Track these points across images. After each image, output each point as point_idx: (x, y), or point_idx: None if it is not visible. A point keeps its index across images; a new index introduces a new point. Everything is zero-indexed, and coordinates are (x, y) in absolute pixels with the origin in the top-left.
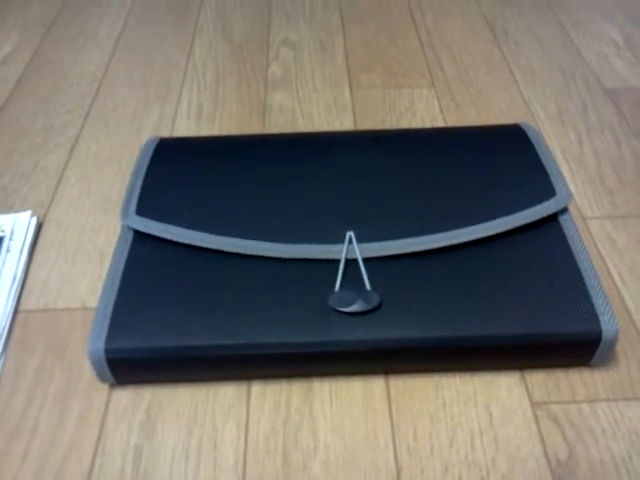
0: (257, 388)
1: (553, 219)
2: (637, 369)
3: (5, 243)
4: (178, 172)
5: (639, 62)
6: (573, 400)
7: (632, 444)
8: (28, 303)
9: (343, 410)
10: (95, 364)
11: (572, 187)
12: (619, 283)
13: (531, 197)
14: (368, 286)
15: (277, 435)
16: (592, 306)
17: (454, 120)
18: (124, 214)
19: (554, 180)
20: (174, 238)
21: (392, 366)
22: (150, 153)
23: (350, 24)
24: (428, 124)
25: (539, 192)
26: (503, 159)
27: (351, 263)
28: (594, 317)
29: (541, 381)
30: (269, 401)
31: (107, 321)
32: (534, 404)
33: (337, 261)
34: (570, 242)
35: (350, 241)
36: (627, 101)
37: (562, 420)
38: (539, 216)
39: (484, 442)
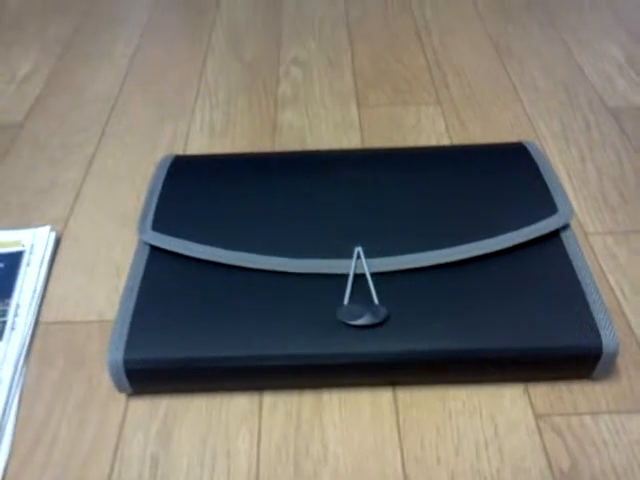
0: (269, 399)
1: (555, 235)
2: (638, 382)
3: (25, 257)
4: (192, 189)
5: None
6: (575, 412)
7: (634, 456)
8: (48, 315)
9: (352, 420)
10: (114, 374)
11: (574, 203)
12: (621, 298)
13: (534, 214)
14: (376, 300)
15: (288, 444)
16: (593, 320)
17: (459, 137)
18: (141, 229)
19: (556, 197)
20: (189, 253)
21: (399, 378)
22: (165, 170)
23: (358, 42)
24: (434, 141)
25: (541, 209)
26: (507, 176)
27: (360, 278)
28: (595, 331)
29: (544, 393)
30: (280, 411)
31: (125, 332)
32: (537, 416)
33: (346, 276)
34: (572, 258)
35: (358, 256)
36: (629, 119)
37: (565, 432)
38: (541, 233)
39: (489, 452)
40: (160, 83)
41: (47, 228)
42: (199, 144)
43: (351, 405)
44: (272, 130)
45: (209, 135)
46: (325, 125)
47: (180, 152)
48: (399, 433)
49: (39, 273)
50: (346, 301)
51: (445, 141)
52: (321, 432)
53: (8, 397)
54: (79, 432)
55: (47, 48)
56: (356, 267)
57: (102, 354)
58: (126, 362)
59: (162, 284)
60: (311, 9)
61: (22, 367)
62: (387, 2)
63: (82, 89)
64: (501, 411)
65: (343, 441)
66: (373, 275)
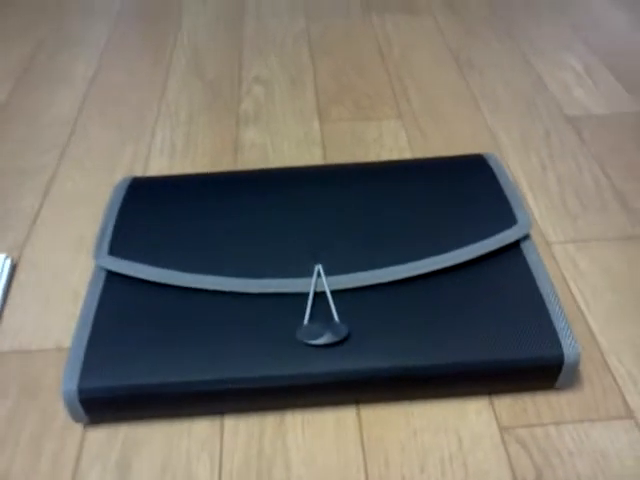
0: (230, 422)
1: (515, 246)
2: (601, 391)
3: None
4: (150, 211)
5: (598, 90)
6: (540, 423)
7: (597, 464)
8: (2, 345)
9: (316, 441)
10: (69, 404)
11: (536, 213)
12: (583, 306)
13: (493, 226)
14: (336, 318)
15: (250, 469)
16: (554, 331)
17: (421, 150)
18: (96, 254)
19: (515, 208)
20: (145, 277)
21: (362, 396)
22: (122, 193)
23: (319, 58)
24: (396, 155)
25: (501, 221)
26: (466, 189)
27: (320, 296)
28: (556, 341)
29: (509, 405)
30: (242, 435)
31: (79, 361)
32: (502, 428)
33: (306, 294)
34: (532, 268)
35: (319, 274)
36: (587, 127)
37: (529, 443)
38: (501, 244)
39: (454, 468)
40: (120, 105)
41: (2, 256)
42: (159, 165)
43: (314, 425)
44: (234, 149)
45: (170, 156)
46: (287, 142)
47: (140, 174)
48: (363, 452)
49: None
50: (306, 320)
51: (407, 154)
52: (284, 454)
53: None
54: (34, 466)
55: (5, 72)
56: (316, 285)
57: (58, 383)
58: (81, 391)
59: (118, 310)
60: (272, 27)
61: None
62: (348, 18)
63: (40, 112)
64: (465, 425)
65: (306, 462)
66: (333, 293)
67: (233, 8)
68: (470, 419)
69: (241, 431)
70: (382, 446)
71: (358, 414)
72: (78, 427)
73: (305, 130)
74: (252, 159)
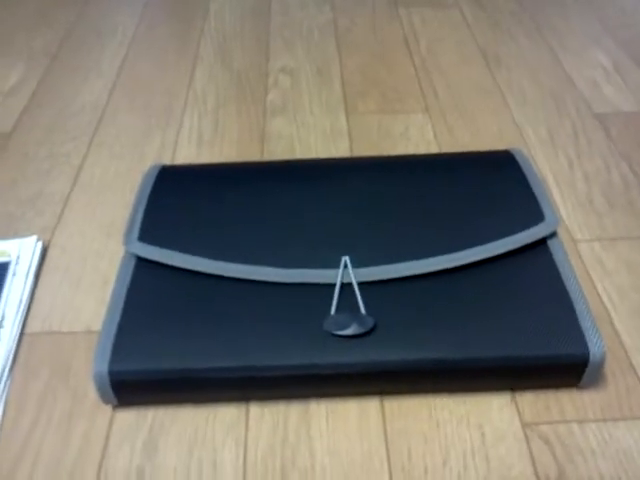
0: (255, 409)
1: (542, 243)
2: (625, 390)
3: (11, 267)
4: (179, 199)
5: (627, 87)
6: (563, 420)
7: (620, 464)
8: (33, 326)
9: (339, 430)
10: (99, 386)
11: (562, 210)
12: (608, 305)
13: (520, 222)
14: (363, 310)
15: (275, 455)
16: (579, 328)
17: (447, 145)
18: (127, 240)
19: (543, 205)
20: (175, 263)
21: (386, 387)
22: (152, 180)
23: (346, 51)
24: (422, 149)
25: (528, 217)
26: (494, 184)
27: (346, 287)
28: (581, 339)
29: (532, 401)
30: (267, 422)
31: (110, 344)
32: (525, 424)
33: (333, 285)
34: (558, 265)
35: (345, 266)
36: (616, 125)
37: (552, 440)
38: (528, 241)
39: (476, 462)
40: (148, 93)
41: (34, 238)
42: (187, 153)
43: (338, 415)
44: (261, 139)
45: (197, 144)
46: (314, 134)
47: (168, 161)
48: (386, 443)
49: (25, 284)
50: (333, 311)
51: (433, 149)
52: (308, 442)
53: None
54: (64, 444)
55: (34, 59)
56: (343, 277)
57: (88, 365)
58: (111, 374)
59: (148, 295)
60: (299, 17)
61: (7, 379)
62: (375, 11)
63: (70, 100)
64: (488, 420)
65: (330, 451)
66: (360, 285)
67: None
68: (493, 414)
69: (266, 418)
70: (405, 437)
71: (381, 405)
72: (107, 409)
73: (331, 122)
74: (278, 150)
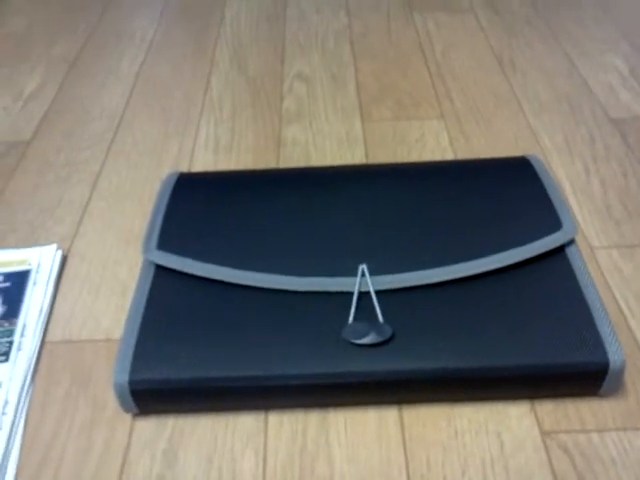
0: (274, 418)
1: (560, 251)
2: None
3: (32, 276)
4: (197, 207)
5: None
6: (582, 429)
7: None
8: (54, 335)
9: (358, 439)
10: (120, 395)
11: (579, 217)
12: (627, 312)
13: (538, 230)
14: (381, 318)
15: (294, 464)
16: (599, 337)
17: (463, 151)
18: (146, 249)
19: (560, 213)
20: (194, 272)
21: (405, 396)
22: (170, 188)
23: (361, 57)
24: (438, 156)
25: (546, 225)
26: (511, 192)
27: (364, 295)
28: (601, 348)
29: (551, 410)
30: (286, 431)
31: (131, 353)
32: (544, 433)
33: (351, 294)
34: (577, 273)
35: (363, 274)
36: (633, 131)
37: (572, 449)
38: (546, 249)
39: (495, 471)
40: (165, 99)
41: (53, 247)
42: (204, 160)
43: (357, 424)
44: (276, 146)
45: (214, 151)
46: (329, 140)
47: (185, 168)
48: (405, 452)
49: (45, 292)
50: (351, 319)
51: (449, 155)
52: (327, 451)
53: (15, 418)
54: (85, 452)
55: (53, 65)
56: (361, 285)
57: (108, 374)
58: (132, 383)
59: (168, 303)
60: (314, 23)
61: (29, 387)
62: (390, 16)
63: (88, 106)
64: (507, 429)
65: (349, 460)
66: (378, 293)
67: (275, 3)
68: (512, 422)
69: (285, 427)
70: (424, 446)
71: (400, 414)
72: (127, 417)
73: (347, 129)
74: (294, 156)
